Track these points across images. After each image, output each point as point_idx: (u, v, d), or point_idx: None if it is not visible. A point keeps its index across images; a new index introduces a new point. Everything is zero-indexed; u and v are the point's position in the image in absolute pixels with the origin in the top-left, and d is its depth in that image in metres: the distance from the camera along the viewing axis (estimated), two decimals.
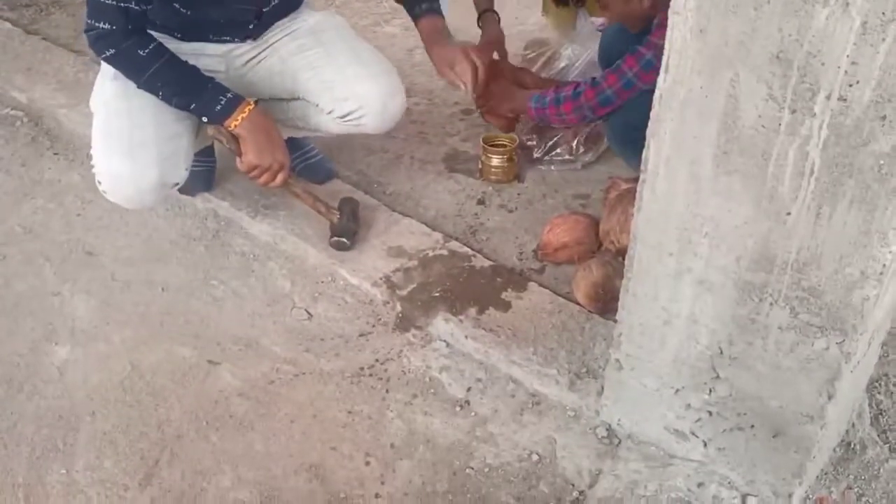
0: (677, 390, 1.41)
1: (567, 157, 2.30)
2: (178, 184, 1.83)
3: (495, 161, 2.24)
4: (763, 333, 1.25)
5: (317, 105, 1.93)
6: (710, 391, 1.37)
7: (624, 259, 1.38)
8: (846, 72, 0.99)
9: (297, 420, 1.60)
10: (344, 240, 1.93)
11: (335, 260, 1.94)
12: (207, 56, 1.90)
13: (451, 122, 2.54)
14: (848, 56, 0.98)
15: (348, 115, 1.90)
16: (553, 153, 2.31)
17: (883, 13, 0.93)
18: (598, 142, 2.30)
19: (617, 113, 2.01)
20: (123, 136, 1.74)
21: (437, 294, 1.85)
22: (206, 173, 2.12)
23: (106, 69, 1.82)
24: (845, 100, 1.00)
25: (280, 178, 1.81)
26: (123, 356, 1.74)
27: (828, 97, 1.02)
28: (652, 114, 1.19)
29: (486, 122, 2.27)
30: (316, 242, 1.98)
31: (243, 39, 1.95)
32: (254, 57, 1.98)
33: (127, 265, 1.98)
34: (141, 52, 1.71)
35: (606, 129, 2.17)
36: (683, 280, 1.28)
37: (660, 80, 1.16)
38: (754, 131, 1.09)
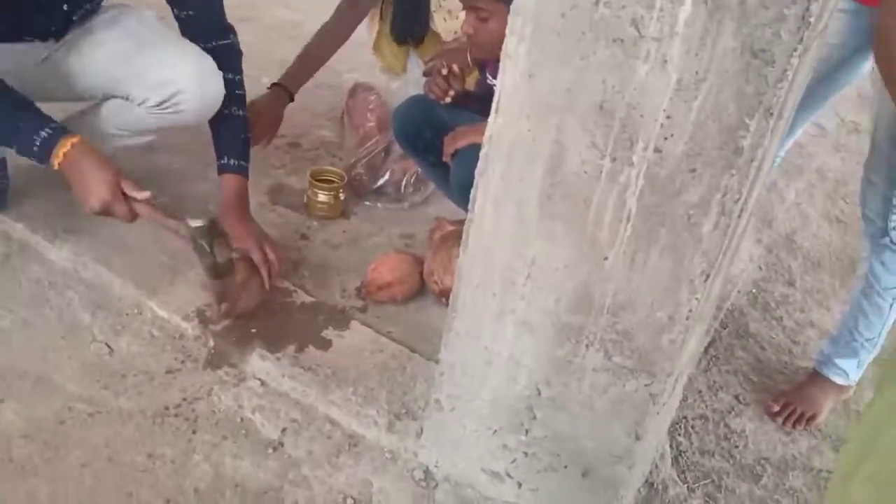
0: (495, 431, 1.41)
1: (395, 195, 2.30)
2: None
3: (322, 196, 2.19)
4: (579, 375, 1.28)
5: (128, 98, 1.81)
6: (527, 432, 1.38)
7: (446, 300, 1.38)
8: (662, 125, 1.04)
9: (89, 464, 1.45)
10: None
11: (144, 291, 1.81)
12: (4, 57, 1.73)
13: (276, 154, 2.47)
14: (664, 110, 1.03)
15: (164, 102, 1.78)
16: (381, 191, 2.30)
17: (696, 72, 0.99)
18: (426, 183, 2.31)
19: (462, 162, 1.91)
20: None
21: (254, 330, 1.76)
22: None
23: None
24: (661, 151, 1.06)
25: (124, 213, 1.60)
26: None
27: (645, 148, 1.07)
28: (482, 153, 1.20)
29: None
30: (123, 271, 1.83)
31: (44, 39, 1.80)
32: (48, 57, 1.81)
33: None
34: None
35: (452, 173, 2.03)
36: (506, 320, 1.30)
37: (490, 120, 1.17)
38: (577, 177, 1.13)
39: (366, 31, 2.66)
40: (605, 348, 1.23)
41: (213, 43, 1.84)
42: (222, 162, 1.86)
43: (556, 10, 1.05)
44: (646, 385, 1.23)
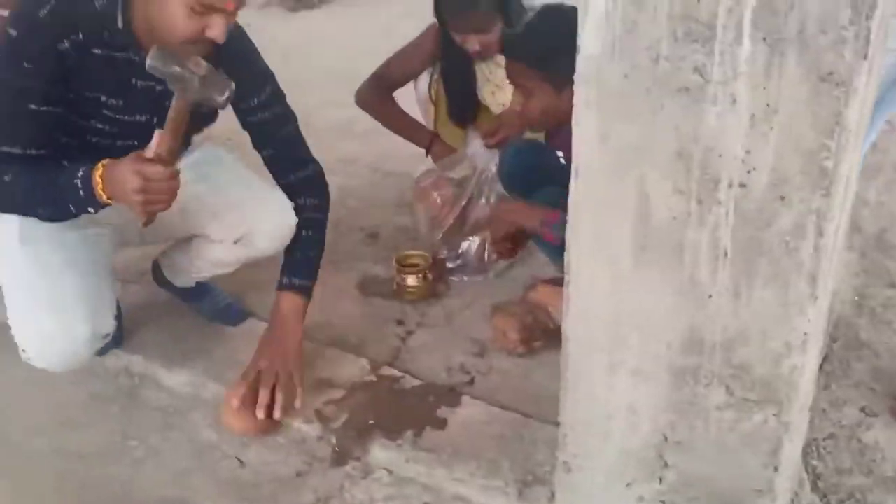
0: (628, 484, 1.42)
1: (479, 266, 2.35)
2: (108, 335, 1.75)
3: (410, 280, 2.26)
4: (703, 415, 1.28)
5: (208, 236, 1.91)
6: (661, 480, 1.38)
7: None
8: (742, 160, 1.07)
9: None
10: None
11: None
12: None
13: (358, 248, 2.56)
14: (742, 146, 1.06)
15: (239, 239, 1.88)
16: (465, 265, 2.36)
17: (767, 104, 1.03)
18: None
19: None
20: (43, 293, 1.67)
21: (372, 422, 1.81)
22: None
23: (6, 234, 1.75)
24: (745, 185, 1.08)
25: (159, 172, 1.56)
26: None
27: (729, 185, 1.09)
28: (569, 219, 1.25)
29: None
30: None
31: None
32: None
33: (36, 436, 1.85)
34: (6, 178, 1.61)
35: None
36: (619, 372, 1.31)
37: (571, 186, 1.22)
38: (667, 224, 1.16)
39: (422, 116, 2.77)
40: (724, 384, 1.24)
41: (293, 176, 1.93)
42: (283, 280, 1.89)
43: (617, 73, 1.10)
44: (774, 415, 1.22)
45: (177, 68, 1.52)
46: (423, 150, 2.71)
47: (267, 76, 1.87)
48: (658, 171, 1.13)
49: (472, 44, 2.40)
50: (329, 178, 2.03)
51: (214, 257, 1.95)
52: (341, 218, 2.67)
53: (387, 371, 1.97)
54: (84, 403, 1.95)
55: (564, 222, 1.78)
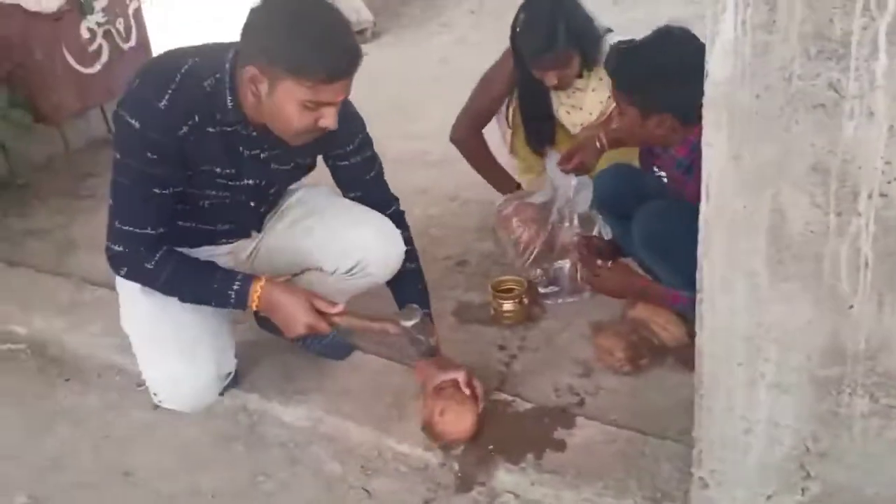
0: (769, 496, 1.43)
1: (572, 287, 2.38)
2: (230, 373, 1.84)
3: (507, 306, 2.30)
4: (847, 424, 1.29)
5: (321, 269, 1.97)
6: (803, 491, 1.39)
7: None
8: (883, 171, 1.09)
9: None
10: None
11: (380, 431, 1.93)
12: (216, 257, 1.95)
13: (448, 276, 2.60)
14: (882, 157, 1.08)
15: (353, 268, 1.93)
16: (559, 287, 2.39)
17: None
18: None
19: (645, 220, 2.01)
20: (171, 339, 1.78)
21: (491, 447, 1.84)
22: None
23: (129, 288, 1.85)
24: (886, 195, 1.10)
25: (325, 328, 1.80)
26: None
27: (870, 196, 1.11)
28: (700, 237, 1.27)
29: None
30: (357, 417, 1.97)
31: (248, 235, 2.02)
32: (255, 246, 2.04)
33: (169, 479, 1.92)
34: (148, 266, 1.75)
35: (629, 236, 2.13)
36: (757, 386, 1.33)
37: (702, 206, 1.25)
38: (804, 237, 1.18)
39: (500, 140, 2.82)
40: (869, 392, 1.25)
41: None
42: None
43: (749, 94, 1.13)
44: None
45: (421, 337, 1.84)
46: None
47: (358, 122, 1.94)
48: (794, 186, 1.15)
49: (551, 79, 2.44)
50: (408, 207, 2.09)
51: (330, 288, 2.01)
52: (425, 247, 2.71)
53: (497, 396, 2.01)
54: (209, 443, 2.02)
55: (692, 302, 1.81)
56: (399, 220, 2.03)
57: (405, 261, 1.99)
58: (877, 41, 1.02)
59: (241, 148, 1.78)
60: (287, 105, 1.60)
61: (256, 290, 1.76)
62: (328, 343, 2.22)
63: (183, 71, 1.67)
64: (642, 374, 2.05)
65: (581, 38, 2.38)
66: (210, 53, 1.72)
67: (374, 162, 1.99)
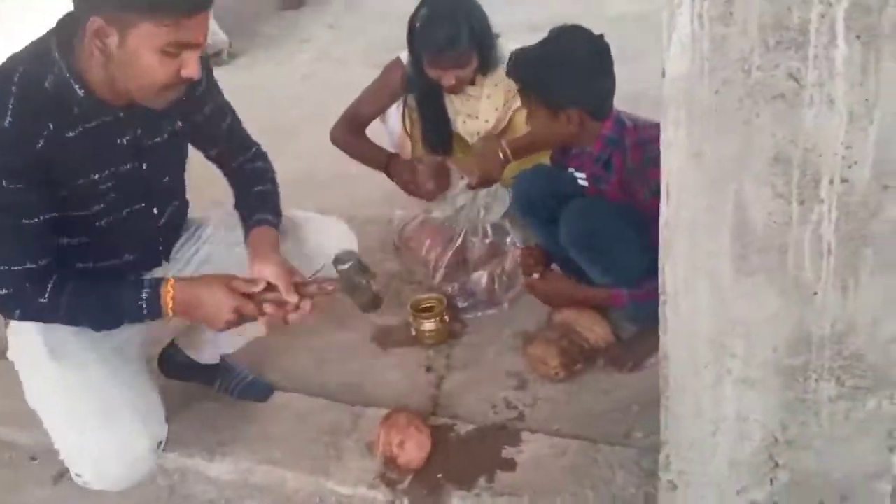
0: (738, 491, 1.42)
1: (491, 299, 2.33)
2: (162, 441, 1.64)
3: (428, 325, 2.22)
4: (815, 409, 1.29)
5: None
6: (772, 481, 1.39)
7: None
8: (843, 157, 1.09)
9: None
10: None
11: (317, 475, 1.80)
12: None
13: None
14: (842, 143, 1.08)
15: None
16: (476, 301, 2.33)
17: (866, 99, 1.05)
18: (516, 274, 2.34)
19: (572, 221, 1.98)
20: (92, 412, 1.55)
21: (440, 475, 1.76)
22: None
23: (29, 355, 1.63)
24: (848, 181, 1.10)
25: (253, 311, 1.60)
26: None
27: (831, 182, 1.11)
28: (661, 240, 1.24)
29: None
30: (290, 463, 1.83)
31: (159, 263, 1.84)
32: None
33: None
34: (42, 300, 1.54)
35: (554, 238, 2.09)
36: (724, 383, 1.31)
37: (662, 207, 1.22)
38: (768, 229, 1.17)
39: (388, 145, 2.75)
40: (835, 376, 1.25)
41: (241, 158, 1.88)
42: (258, 216, 1.77)
43: (707, 90, 1.10)
44: (888, 397, 1.25)
45: (363, 281, 1.67)
46: (397, 193, 2.67)
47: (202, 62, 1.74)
48: (756, 178, 1.14)
49: (448, 79, 2.40)
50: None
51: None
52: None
53: (435, 421, 1.92)
54: None
55: (638, 298, 1.76)
56: (257, 159, 1.90)
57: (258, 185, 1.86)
58: (834, 28, 1.02)
59: (116, 140, 1.60)
60: (145, 55, 1.43)
61: (168, 290, 1.56)
62: (248, 384, 2.07)
63: (16, 80, 1.47)
64: (576, 380, 2.03)
65: (481, 40, 2.35)
66: (34, 51, 1.52)
67: (226, 109, 1.85)
